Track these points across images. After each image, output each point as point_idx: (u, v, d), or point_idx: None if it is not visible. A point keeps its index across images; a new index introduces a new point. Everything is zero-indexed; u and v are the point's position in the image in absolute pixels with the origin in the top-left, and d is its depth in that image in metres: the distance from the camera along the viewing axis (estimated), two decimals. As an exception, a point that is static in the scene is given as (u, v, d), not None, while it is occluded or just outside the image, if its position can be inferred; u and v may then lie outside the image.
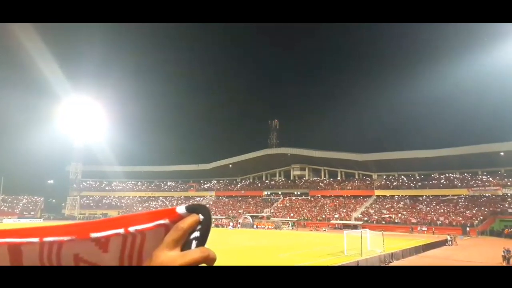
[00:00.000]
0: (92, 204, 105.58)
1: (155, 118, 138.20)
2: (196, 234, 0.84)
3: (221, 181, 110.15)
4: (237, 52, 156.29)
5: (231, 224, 72.15)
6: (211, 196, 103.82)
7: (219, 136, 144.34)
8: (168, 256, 0.77)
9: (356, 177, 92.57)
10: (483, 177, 73.69)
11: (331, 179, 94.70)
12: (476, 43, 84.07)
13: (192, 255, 0.78)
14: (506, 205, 63.17)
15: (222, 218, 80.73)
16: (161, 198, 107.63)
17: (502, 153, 68.60)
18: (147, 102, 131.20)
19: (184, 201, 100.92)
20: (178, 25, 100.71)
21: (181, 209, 0.87)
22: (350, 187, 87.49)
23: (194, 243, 0.82)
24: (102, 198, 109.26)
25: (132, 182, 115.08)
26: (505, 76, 73.76)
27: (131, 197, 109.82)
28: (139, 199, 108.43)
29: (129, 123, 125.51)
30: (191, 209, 0.87)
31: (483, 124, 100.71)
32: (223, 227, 71.73)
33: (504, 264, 27.28)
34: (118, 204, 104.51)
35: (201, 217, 0.87)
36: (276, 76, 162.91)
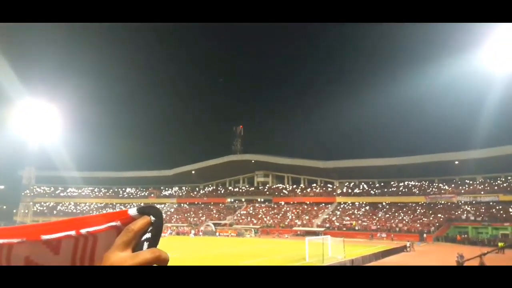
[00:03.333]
0: (46, 211, 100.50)
1: (115, 122, 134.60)
2: (148, 235, 0.84)
3: (183, 188, 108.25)
4: (202, 56, 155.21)
5: (192, 232, 70.80)
6: (172, 203, 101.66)
7: (181, 142, 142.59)
8: (119, 257, 0.78)
9: (319, 184, 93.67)
10: (439, 185, 76.47)
11: (294, 185, 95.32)
12: (435, 56, 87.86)
13: (143, 256, 0.79)
14: (460, 212, 65.77)
15: (184, 226, 79.13)
16: (119, 205, 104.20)
17: (456, 162, 71.58)
18: (107, 105, 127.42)
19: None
20: (140, 26, 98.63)
21: (132, 211, 0.88)
22: (313, 194, 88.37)
23: (145, 244, 0.83)
24: (56, 205, 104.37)
25: (89, 188, 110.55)
26: (461, 88, 77.24)
27: (87, 204, 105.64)
28: (96, 206, 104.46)
29: (88, 127, 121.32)
30: (143, 211, 0.88)
31: (440, 133, 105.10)
32: (184, 235, 70.23)
33: (459, 269, 28.07)
34: (74, 211, 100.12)
35: (152, 218, 0.87)
36: (241, 82, 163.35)
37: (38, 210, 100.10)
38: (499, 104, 58.00)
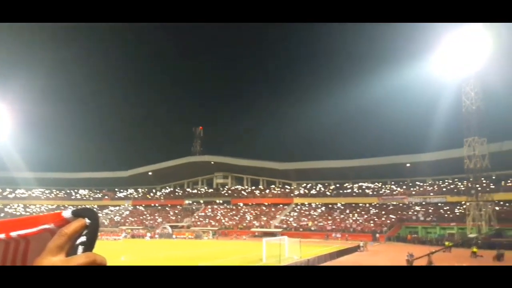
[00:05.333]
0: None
1: (69, 122, 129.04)
2: (83, 239, 0.79)
3: (139, 190, 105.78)
4: (162, 56, 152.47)
5: (148, 234, 69.32)
6: (127, 205, 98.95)
7: (138, 143, 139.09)
8: (51, 262, 0.74)
9: (277, 185, 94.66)
10: (392, 186, 79.48)
11: (253, 187, 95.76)
12: (389, 61, 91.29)
13: (77, 260, 0.74)
14: (411, 212, 68.63)
15: (139, 229, 77.29)
16: (71, 207, 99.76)
17: (408, 164, 74.76)
18: (61, 105, 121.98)
19: (97, 211, 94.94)
20: (98, 24, 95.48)
21: (67, 213, 0.84)
22: (271, 195, 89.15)
23: (80, 248, 0.78)
24: (4, 207, 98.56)
25: (40, 190, 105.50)
26: (412, 93, 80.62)
27: (37, 206, 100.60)
28: (46, 208, 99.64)
29: (39, 126, 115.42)
30: (77, 214, 0.84)
31: (393, 137, 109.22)
32: (140, 238, 68.58)
33: (409, 267, 29.29)
34: (23, 213, 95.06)
35: (87, 221, 0.83)
36: (201, 83, 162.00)
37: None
38: (449, 108, 61.03)
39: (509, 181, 66.19)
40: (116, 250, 41.10)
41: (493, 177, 62.51)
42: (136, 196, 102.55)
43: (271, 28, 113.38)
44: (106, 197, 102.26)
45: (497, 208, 56.98)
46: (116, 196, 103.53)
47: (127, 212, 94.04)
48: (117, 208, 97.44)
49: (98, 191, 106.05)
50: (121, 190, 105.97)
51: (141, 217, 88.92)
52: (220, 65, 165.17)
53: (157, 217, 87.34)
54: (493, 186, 60.05)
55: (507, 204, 59.93)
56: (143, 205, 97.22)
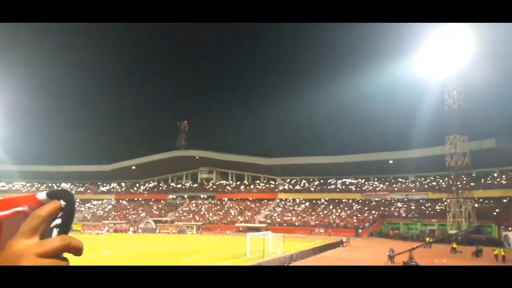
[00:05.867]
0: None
1: (52, 114, 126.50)
2: (58, 221, 0.77)
3: (122, 184, 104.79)
4: (148, 51, 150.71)
5: (131, 229, 68.73)
6: (110, 199, 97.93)
7: (122, 137, 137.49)
8: (24, 245, 0.71)
9: (262, 180, 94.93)
10: (375, 183, 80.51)
11: (238, 182, 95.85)
12: (373, 59, 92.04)
13: (51, 243, 0.72)
14: (393, 209, 69.68)
15: (122, 223, 76.63)
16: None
17: (391, 161, 75.79)
18: (44, 97, 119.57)
19: (79, 205, 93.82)
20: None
21: (41, 195, 0.81)
22: (256, 191, 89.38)
23: (55, 231, 0.76)
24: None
25: (21, 183, 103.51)
26: (396, 91, 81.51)
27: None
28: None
29: (22, 118, 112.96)
30: (52, 195, 0.81)
31: (376, 134, 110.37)
32: (122, 232, 67.99)
33: (390, 263, 29.72)
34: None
35: (63, 203, 0.79)
36: (187, 77, 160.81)
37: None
38: (432, 106, 61.99)
39: (488, 179, 67.79)
40: (98, 245, 40.67)
41: (473, 175, 63.90)
42: (119, 190, 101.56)
43: (255, 24, 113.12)
44: (89, 191, 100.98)
45: (476, 205, 58.29)
46: (99, 190, 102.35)
47: (110, 206, 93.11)
48: (99, 202, 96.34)
49: (80, 185, 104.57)
50: (104, 184, 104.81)
51: (124, 212, 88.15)
52: (205, 60, 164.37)
53: (140, 212, 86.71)
54: (473, 184, 61.33)
55: (486, 201, 61.37)
56: (126, 200, 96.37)
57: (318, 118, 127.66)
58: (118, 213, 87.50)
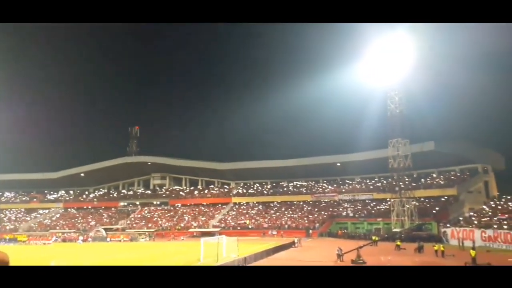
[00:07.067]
0: None
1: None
2: None
3: (71, 192, 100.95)
4: (98, 53, 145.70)
5: (80, 238, 66.55)
6: (58, 208, 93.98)
7: (70, 142, 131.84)
8: None
9: (216, 185, 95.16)
10: (324, 184, 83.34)
11: (192, 187, 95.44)
12: (321, 65, 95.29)
13: None
14: (341, 209, 72.51)
15: (71, 232, 73.97)
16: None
17: (338, 164, 78.89)
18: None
19: (24, 215, 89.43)
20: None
21: None
22: (210, 195, 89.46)
23: None
24: None
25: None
26: (343, 97, 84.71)
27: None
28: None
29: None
30: None
31: (325, 138, 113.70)
32: (71, 242, 65.68)
33: (339, 261, 31.23)
34: None
35: None
36: (138, 81, 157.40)
37: None
38: (376, 111, 64.92)
39: (428, 179, 72.37)
40: (45, 255, 39.32)
41: (414, 176, 67.90)
42: (68, 198, 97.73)
43: (211, 27, 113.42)
44: (35, 199, 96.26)
45: (417, 204, 61.92)
46: (46, 199, 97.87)
47: (58, 215, 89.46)
48: (47, 211, 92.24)
49: (25, 194, 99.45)
50: (52, 192, 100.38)
51: (73, 220, 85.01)
52: (157, 65, 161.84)
53: (90, 220, 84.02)
54: (414, 184, 65.19)
55: (426, 200, 65.42)
56: (75, 208, 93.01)
57: (270, 124, 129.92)
58: (67, 222, 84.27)
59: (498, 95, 73.32)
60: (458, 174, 71.18)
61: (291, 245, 46.17)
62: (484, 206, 55.14)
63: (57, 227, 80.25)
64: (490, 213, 50.03)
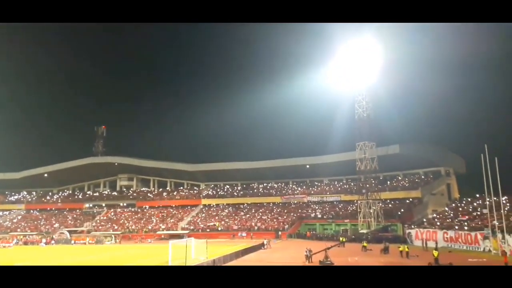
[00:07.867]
0: None
1: None
2: None
3: (33, 193, 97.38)
4: (63, 51, 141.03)
5: (43, 240, 64.36)
6: (19, 209, 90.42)
7: (32, 142, 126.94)
8: None
9: (185, 187, 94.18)
10: (293, 186, 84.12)
11: (161, 189, 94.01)
12: (293, 68, 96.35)
13: None
14: (310, 210, 73.39)
15: (33, 235, 71.36)
16: None
17: (307, 166, 79.87)
18: None
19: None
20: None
21: None
22: (179, 197, 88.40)
23: None
24: None
25: None
26: (313, 100, 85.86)
27: None
28: None
29: None
30: None
31: (294, 140, 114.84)
32: (34, 244, 63.37)
33: (307, 262, 31.58)
34: None
35: None
36: (105, 79, 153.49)
37: None
38: (344, 114, 66.12)
39: (393, 181, 74.38)
40: (6, 258, 37.80)
41: (380, 178, 69.60)
42: (30, 199, 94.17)
43: (180, 28, 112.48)
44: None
45: (383, 205, 63.50)
46: (6, 200, 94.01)
47: (19, 217, 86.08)
48: (7, 212, 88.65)
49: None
50: (13, 193, 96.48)
51: (35, 222, 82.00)
52: (125, 63, 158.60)
53: (53, 222, 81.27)
54: (380, 186, 66.79)
55: (392, 202, 67.18)
56: (38, 209, 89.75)
57: (241, 125, 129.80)
58: (29, 224, 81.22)
59: (461, 99, 76.18)
60: (422, 176, 73.45)
61: (260, 246, 46.36)
62: (447, 208, 57.11)
63: (19, 229, 77.26)
64: (452, 214, 51.81)
